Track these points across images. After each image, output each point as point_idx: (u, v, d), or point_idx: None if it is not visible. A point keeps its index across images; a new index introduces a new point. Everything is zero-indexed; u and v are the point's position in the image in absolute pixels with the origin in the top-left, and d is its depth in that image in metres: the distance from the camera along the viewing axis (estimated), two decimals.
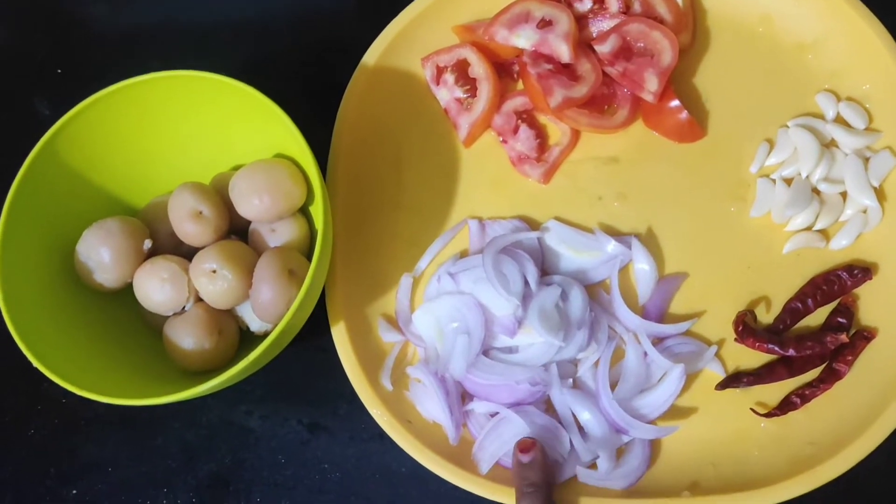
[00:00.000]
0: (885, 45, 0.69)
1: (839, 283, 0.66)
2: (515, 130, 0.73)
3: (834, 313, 0.66)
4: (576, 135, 0.74)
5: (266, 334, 0.63)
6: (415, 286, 0.71)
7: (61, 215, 0.67)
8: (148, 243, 0.67)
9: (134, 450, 0.72)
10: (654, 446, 0.65)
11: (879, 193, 0.68)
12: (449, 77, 0.75)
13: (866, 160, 0.69)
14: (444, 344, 0.67)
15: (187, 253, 0.68)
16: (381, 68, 0.75)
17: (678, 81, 0.73)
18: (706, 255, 0.70)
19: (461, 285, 0.68)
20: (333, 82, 0.76)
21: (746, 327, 0.66)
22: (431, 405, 0.66)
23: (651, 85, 0.70)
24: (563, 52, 0.71)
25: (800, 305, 0.66)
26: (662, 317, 0.68)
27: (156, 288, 0.65)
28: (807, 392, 0.64)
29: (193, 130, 0.70)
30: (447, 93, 0.75)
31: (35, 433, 0.73)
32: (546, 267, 0.70)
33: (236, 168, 0.70)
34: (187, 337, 0.65)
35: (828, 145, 0.70)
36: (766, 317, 0.68)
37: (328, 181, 0.72)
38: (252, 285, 0.64)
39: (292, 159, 0.68)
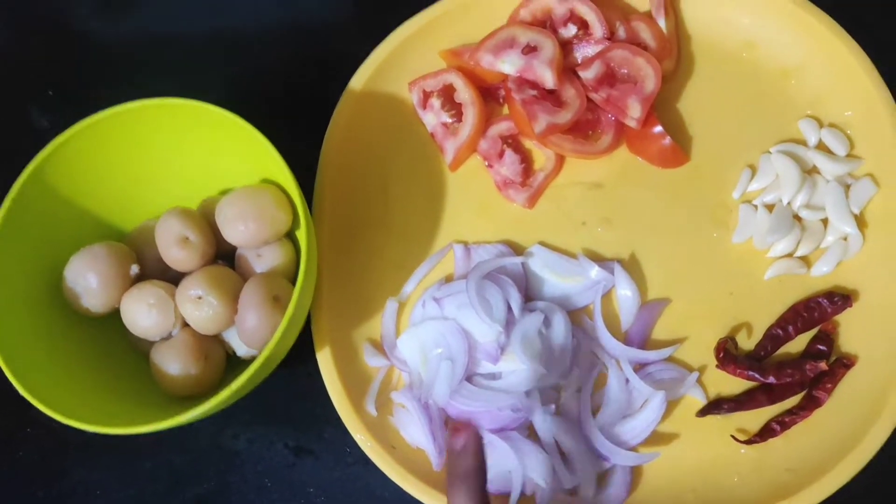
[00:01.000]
0: (866, 72, 0.69)
1: (819, 310, 0.67)
2: (501, 155, 0.74)
3: (814, 340, 0.67)
4: (560, 160, 0.74)
5: (252, 359, 0.63)
6: (400, 310, 0.72)
7: (49, 240, 0.68)
8: (135, 269, 0.68)
9: (122, 473, 0.72)
10: (635, 473, 0.65)
11: (860, 220, 0.69)
12: (435, 102, 0.75)
13: (847, 187, 0.69)
14: (428, 369, 0.67)
15: (174, 278, 0.68)
16: (369, 92, 0.75)
17: (662, 107, 0.74)
18: (689, 280, 0.70)
19: (445, 310, 0.68)
20: (324, 102, 0.76)
21: (728, 354, 0.66)
22: (415, 431, 0.67)
23: (634, 111, 0.71)
24: (548, 79, 0.71)
25: (780, 332, 0.67)
26: (645, 343, 0.69)
27: (142, 313, 0.66)
28: (787, 419, 0.65)
29: (181, 156, 0.71)
30: (433, 117, 0.75)
31: (23, 456, 0.74)
32: (530, 292, 0.71)
33: (224, 192, 0.71)
34: (174, 362, 0.65)
35: (809, 172, 0.70)
36: (747, 343, 0.68)
37: (315, 205, 0.73)
38: (237, 312, 0.65)
39: (279, 184, 0.69)
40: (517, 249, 0.72)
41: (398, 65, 0.76)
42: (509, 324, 0.66)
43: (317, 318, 0.70)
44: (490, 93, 0.76)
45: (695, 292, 0.70)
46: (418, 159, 0.76)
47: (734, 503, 0.63)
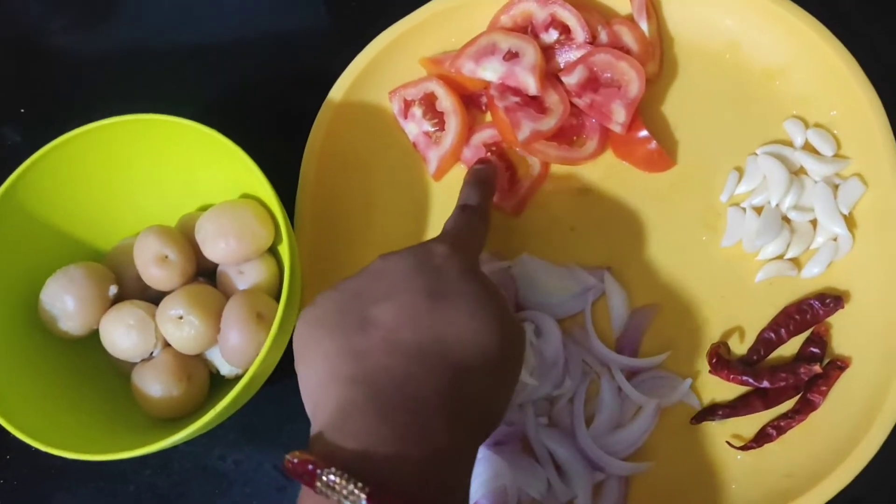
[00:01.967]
0: (851, 71, 0.69)
1: (811, 313, 0.66)
2: None
3: (807, 343, 0.66)
4: (546, 167, 0.73)
5: (237, 378, 0.62)
6: None
7: (24, 262, 0.66)
8: (113, 289, 0.66)
9: (105, 498, 0.70)
10: (629, 482, 0.64)
11: (849, 221, 0.68)
12: (417, 111, 0.74)
13: (835, 187, 0.69)
14: None
15: (154, 297, 0.67)
16: (349, 103, 0.74)
17: (647, 111, 0.73)
18: (679, 285, 0.69)
19: None
20: (304, 115, 0.75)
21: (720, 359, 0.65)
22: None
23: (619, 116, 0.70)
24: (530, 85, 0.70)
25: (773, 335, 0.66)
26: (636, 350, 0.68)
27: (122, 335, 0.64)
28: (782, 423, 0.64)
29: (159, 172, 0.70)
30: (415, 126, 0.74)
31: (5, 483, 0.72)
32: (519, 301, 0.70)
33: (203, 208, 0.69)
34: (155, 383, 0.64)
35: (797, 173, 0.70)
36: (739, 347, 0.67)
37: (297, 219, 0.72)
38: (220, 330, 0.63)
39: (259, 199, 0.68)
40: (505, 258, 0.71)
41: (378, 74, 0.75)
42: None
43: None
44: (472, 100, 0.75)
45: (685, 297, 0.69)
46: (401, 169, 0.75)
47: None
